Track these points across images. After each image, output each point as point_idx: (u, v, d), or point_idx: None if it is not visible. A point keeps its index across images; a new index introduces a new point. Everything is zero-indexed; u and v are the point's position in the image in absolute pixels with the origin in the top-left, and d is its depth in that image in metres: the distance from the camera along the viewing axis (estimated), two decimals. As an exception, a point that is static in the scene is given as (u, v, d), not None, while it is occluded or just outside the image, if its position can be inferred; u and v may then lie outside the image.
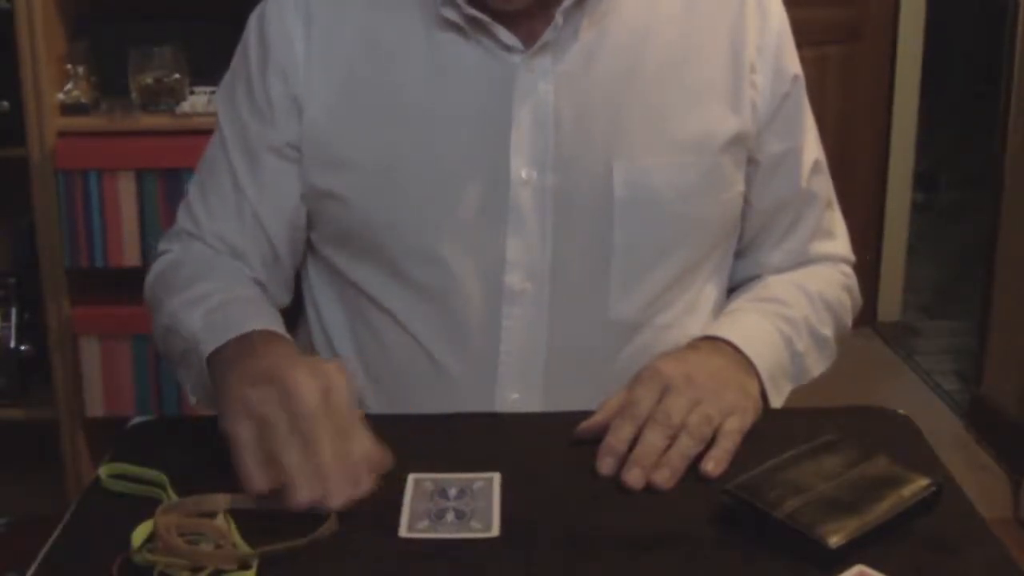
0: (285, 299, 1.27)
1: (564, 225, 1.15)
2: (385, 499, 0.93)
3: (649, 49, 1.16)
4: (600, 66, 1.15)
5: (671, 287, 1.19)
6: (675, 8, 1.18)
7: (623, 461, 0.98)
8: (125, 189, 2.12)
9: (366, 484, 0.93)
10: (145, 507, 0.89)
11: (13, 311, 2.25)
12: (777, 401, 1.14)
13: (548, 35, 1.13)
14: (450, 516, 0.91)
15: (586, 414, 1.05)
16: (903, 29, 3.46)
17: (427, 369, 1.18)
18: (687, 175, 1.16)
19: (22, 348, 2.25)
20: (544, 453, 1.02)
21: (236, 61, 1.24)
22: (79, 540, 0.91)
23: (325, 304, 1.25)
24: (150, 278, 1.24)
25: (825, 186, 1.29)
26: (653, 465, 0.97)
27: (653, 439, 0.99)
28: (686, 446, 0.99)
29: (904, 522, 0.89)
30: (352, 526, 0.90)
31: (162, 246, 1.27)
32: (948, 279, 4.03)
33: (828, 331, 1.23)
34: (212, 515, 0.91)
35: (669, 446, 0.99)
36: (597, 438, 1.01)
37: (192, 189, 1.26)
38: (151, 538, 0.86)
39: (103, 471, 0.98)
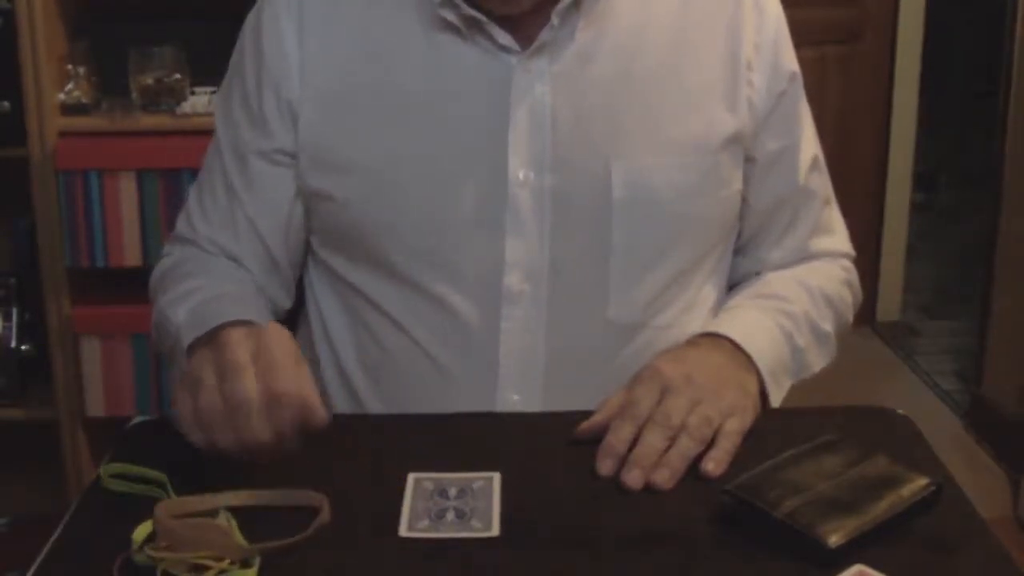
0: (286, 303, 1.27)
1: (562, 226, 1.15)
2: (385, 499, 0.94)
3: (646, 49, 1.16)
4: (597, 67, 1.15)
5: (670, 287, 1.19)
6: (671, 7, 1.18)
7: (623, 462, 0.98)
8: (126, 189, 2.12)
9: (286, 430, 0.92)
10: (145, 507, 0.89)
11: (13, 311, 2.25)
12: (777, 397, 1.14)
13: (544, 36, 1.13)
14: (450, 516, 0.92)
15: (586, 414, 1.05)
16: (903, 29, 3.46)
17: (428, 371, 1.18)
18: (685, 175, 1.16)
19: (22, 348, 2.25)
20: (544, 453, 1.02)
21: (232, 66, 1.24)
22: (79, 540, 0.91)
23: (326, 307, 1.25)
24: (151, 281, 1.25)
25: (823, 183, 1.29)
26: (653, 466, 0.98)
27: (653, 440, 0.99)
28: (686, 447, 0.99)
29: (904, 522, 0.89)
30: (352, 526, 0.90)
31: (164, 250, 1.28)
32: (948, 279, 4.03)
33: (829, 326, 1.23)
34: (213, 514, 0.91)
35: (669, 447, 0.99)
36: (597, 438, 1.01)
37: (191, 194, 1.27)
38: (152, 537, 0.86)
39: (103, 471, 0.98)
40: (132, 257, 2.14)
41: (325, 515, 0.89)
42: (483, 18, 1.12)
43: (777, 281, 1.24)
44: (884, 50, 3.46)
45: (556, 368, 1.16)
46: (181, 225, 1.26)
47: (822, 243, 1.29)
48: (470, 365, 1.17)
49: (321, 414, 0.93)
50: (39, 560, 0.89)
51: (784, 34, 1.23)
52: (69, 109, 2.15)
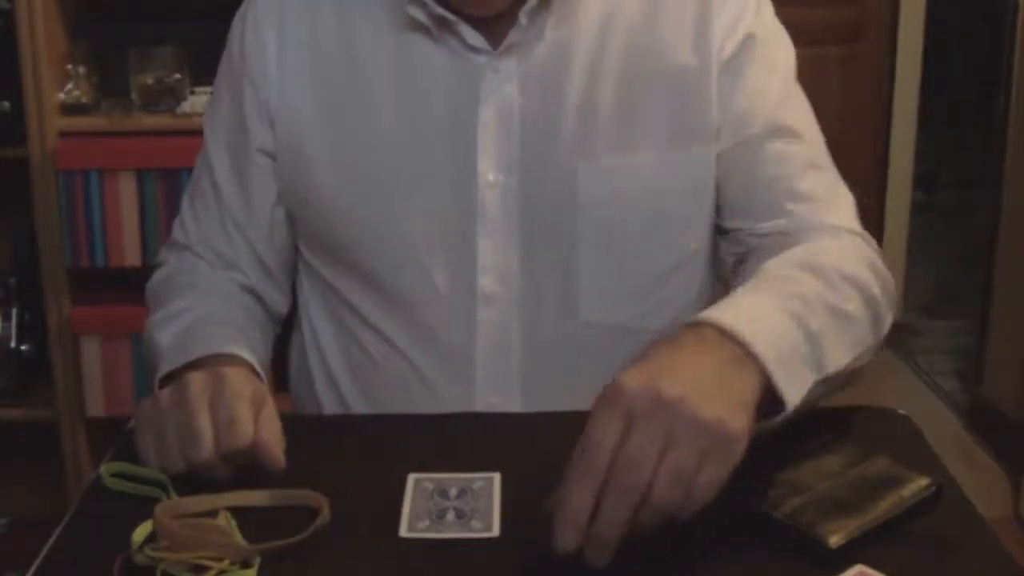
0: (283, 306, 1.28)
1: (532, 228, 1.14)
2: (385, 499, 0.94)
3: (615, 48, 1.14)
4: (566, 67, 1.13)
5: (647, 287, 1.18)
6: (639, 4, 1.15)
7: (584, 533, 0.81)
8: (126, 189, 2.12)
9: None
10: (145, 507, 0.89)
11: (13, 311, 2.25)
12: (796, 391, 0.91)
13: (513, 36, 1.12)
14: (450, 516, 0.92)
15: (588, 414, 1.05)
16: (903, 29, 3.46)
17: (409, 377, 1.19)
18: (657, 175, 1.14)
19: (22, 348, 2.25)
20: (544, 453, 1.01)
21: (219, 68, 1.24)
22: (79, 540, 0.91)
23: (315, 313, 1.25)
24: (147, 291, 1.26)
25: (801, 150, 1.17)
26: (617, 543, 0.81)
27: (615, 513, 0.80)
28: (653, 522, 0.82)
29: (904, 522, 0.89)
30: (352, 526, 0.90)
31: (160, 257, 1.29)
32: (948, 279, 4.03)
33: (853, 307, 1.02)
34: (213, 514, 0.91)
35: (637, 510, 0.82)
36: None
37: (184, 199, 1.27)
38: (152, 537, 0.86)
39: (103, 470, 0.98)
40: (132, 257, 2.14)
41: (325, 515, 0.89)
42: (452, 17, 1.11)
43: (777, 267, 1.06)
44: (884, 50, 3.46)
45: (532, 370, 1.16)
46: (176, 231, 1.27)
47: (815, 214, 1.15)
48: (448, 369, 1.17)
49: (276, 463, 0.95)
50: (39, 560, 0.88)
51: (750, 6, 1.17)
52: (69, 109, 2.15)
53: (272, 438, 0.96)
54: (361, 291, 1.19)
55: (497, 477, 0.96)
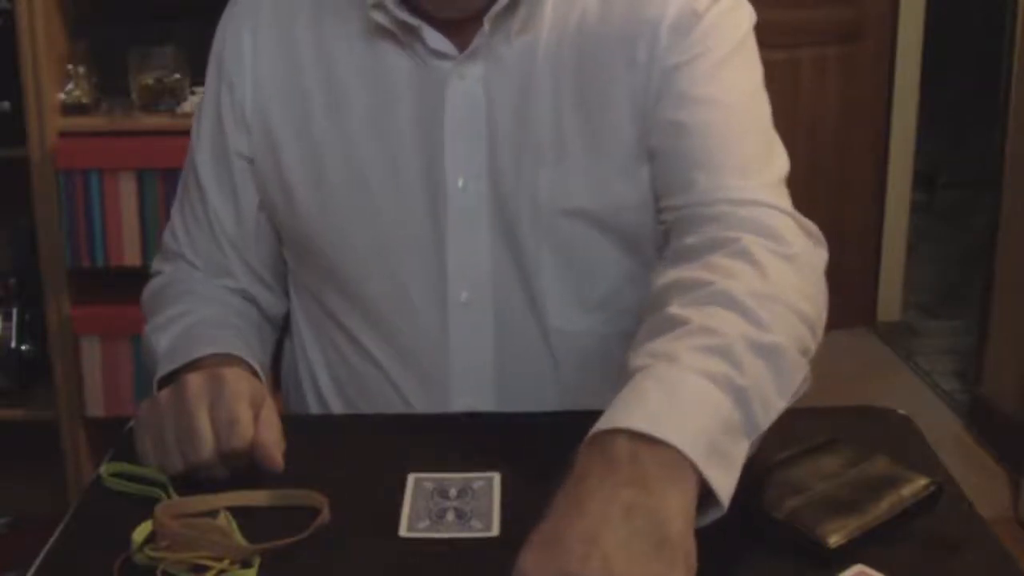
0: (279, 308, 1.27)
1: (501, 234, 1.13)
2: (385, 499, 0.94)
3: (574, 54, 1.11)
4: (531, 72, 1.11)
5: (615, 294, 1.16)
6: (594, 11, 1.12)
7: None
8: (126, 189, 2.12)
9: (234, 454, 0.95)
10: (145, 507, 0.89)
11: (13, 311, 2.25)
12: (730, 478, 0.81)
13: (477, 41, 1.10)
14: (450, 516, 0.92)
15: (591, 414, 1.05)
16: (903, 29, 3.46)
17: (382, 382, 1.19)
18: (622, 185, 1.12)
19: (22, 348, 2.25)
20: (544, 453, 1.02)
21: (207, 74, 1.23)
22: (79, 540, 0.91)
23: (301, 322, 1.25)
24: (142, 300, 1.26)
25: (720, 119, 1.09)
26: None
27: None
28: None
29: (904, 522, 0.89)
30: (352, 526, 0.90)
31: (154, 266, 1.29)
32: (948, 279, 4.03)
33: (779, 336, 0.89)
34: (213, 514, 0.91)
35: None
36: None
37: (174, 206, 1.27)
38: (152, 537, 0.86)
39: (104, 470, 0.98)
40: (132, 257, 2.14)
41: (325, 515, 0.89)
42: (415, 22, 1.10)
43: (686, 310, 0.91)
44: (884, 50, 3.46)
45: (505, 378, 1.16)
46: (167, 239, 1.27)
47: (727, 184, 1.05)
48: (422, 376, 1.17)
49: (275, 465, 0.96)
50: (39, 560, 0.89)
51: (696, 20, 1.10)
52: (69, 109, 2.15)
53: (271, 439, 0.96)
54: (336, 297, 1.19)
55: (497, 477, 0.96)
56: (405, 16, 1.10)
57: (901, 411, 1.10)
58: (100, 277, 2.21)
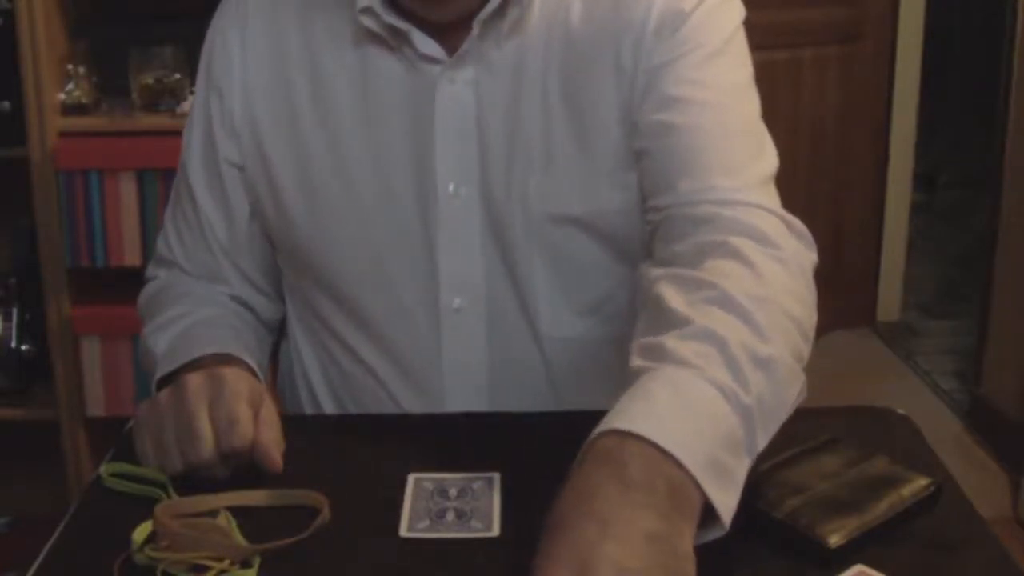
0: (275, 313, 1.27)
1: (492, 240, 1.13)
2: (385, 499, 0.94)
3: (562, 58, 1.10)
4: (522, 76, 1.10)
5: (607, 300, 1.15)
6: (579, 16, 1.10)
7: None
8: (126, 189, 2.12)
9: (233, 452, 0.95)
10: (145, 507, 0.89)
11: (14, 311, 2.25)
12: (732, 498, 0.81)
13: (466, 45, 1.09)
14: (450, 516, 0.92)
15: (591, 414, 1.05)
16: (903, 29, 3.46)
17: (375, 388, 1.18)
18: (613, 191, 1.11)
19: (23, 348, 2.25)
20: (544, 453, 1.01)
21: (196, 81, 1.23)
22: (79, 540, 0.91)
23: (296, 327, 1.25)
24: (138, 305, 1.26)
25: (705, 120, 1.07)
26: None
27: None
28: None
29: (904, 522, 0.89)
30: (352, 526, 0.90)
31: (149, 272, 1.28)
32: (948, 279, 4.03)
33: (777, 347, 0.88)
34: (213, 514, 0.91)
35: None
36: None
37: (167, 214, 1.27)
38: (152, 537, 0.86)
39: (104, 470, 0.98)
40: (132, 257, 2.14)
41: (325, 515, 0.89)
42: (404, 26, 1.09)
43: (688, 308, 0.90)
44: (884, 50, 3.46)
45: (498, 384, 1.16)
46: (161, 247, 1.27)
47: (712, 184, 1.03)
48: (415, 383, 1.17)
49: (274, 467, 0.96)
50: (39, 560, 0.89)
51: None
52: (69, 109, 2.15)
53: (271, 440, 0.96)
54: (329, 304, 1.19)
55: (497, 477, 0.96)
56: (394, 20, 1.09)
57: (901, 411, 1.10)
58: (100, 277, 2.21)
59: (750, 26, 1.15)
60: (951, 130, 4.98)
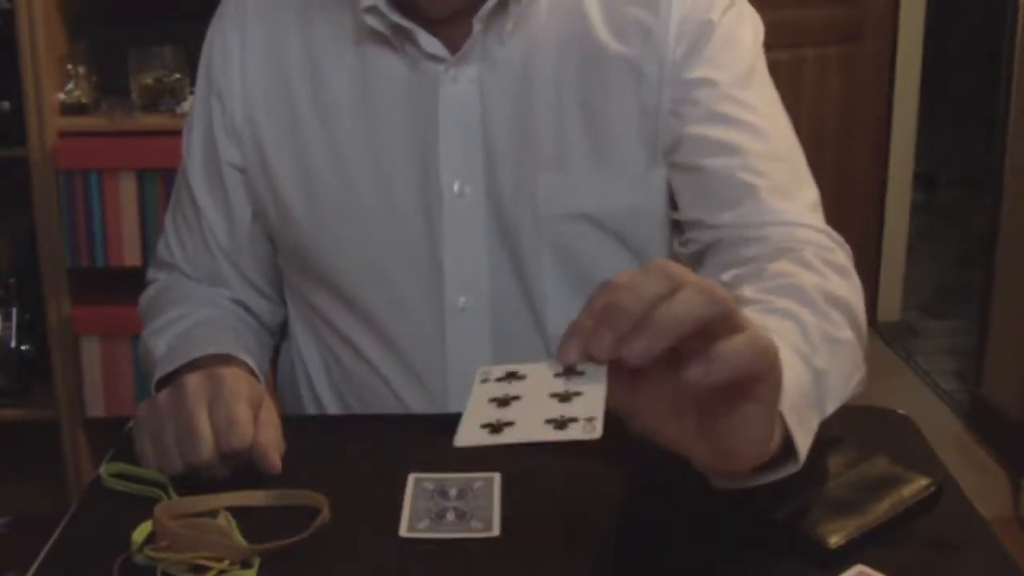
0: (276, 315, 1.27)
1: (498, 239, 1.13)
2: (385, 499, 0.94)
3: (576, 59, 1.11)
4: (529, 74, 1.10)
5: None
6: (596, 14, 1.11)
7: (584, 349, 0.74)
8: (125, 189, 2.12)
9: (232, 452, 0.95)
10: (145, 507, 0.89)
11: (13, 311, 2.25)
12: (806, 439, 0.83)
13: (468, 43, 1.09)
14: (450, 516, 0.92)
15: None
16: (903, 29, 3.46)
17: (379, 388, 1.18)
18: (620, 191, 1.11)
19: (22, 348, 2.25)
20: (544, 453, 1.01)
21: (196, 85, 1.23)
22: (79, 540, 0.91)
23: (298, 327, 1.25)
24: (139, 308, 1.26)
25: (755, 140, 1.10)
26: (626, 334, 0.70)
27: (631, 300, 0.71)
28: (684, 302, 0.70)
29: (904, 522, 0.89)
30: (352, 526, 0.90)
31: (149, 275, 1.29)
32: (948, 279, 4.03)
33: (844, 334, 0.95)
34: (213, 514, 0.91)
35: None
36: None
37: (167, 217, 1.27)
38: (152, 538, 0.86)
39: (104, 470, 0.98)
40: (132, 257, 2.14)
41: (325, 515, 0.89)
42: (409, 25, 1.09)
43: (761, 294, 0.96)
44: (884, 50, 3.46)
45: None
46: (161, 250, 1.27)
47: (769, 206, 1.08)
48: (419, 383, 1.16)
49: (273, 468, 0.96)
50: (39, 560, 0.89)
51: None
52: (69, 109, 2.15)
53: (270, 441, 0.96)
54: (333, 304, 1.19)
55: (497, 477, 0.96)
56: (398, 19, 1.09)
57: (901, 411, 1.10)
58: (100, 277, 2.21)
59: (750, 26, 1.15)
60: (951, 130, 4.98)
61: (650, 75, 1.10)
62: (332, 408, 1.23)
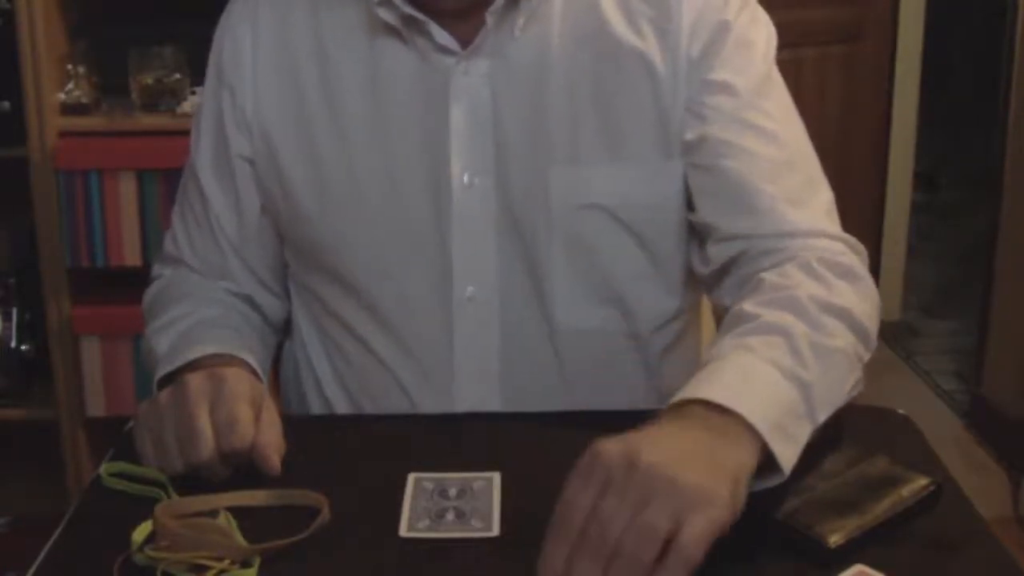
0: (281, 311, 1.27)
1: (508, 230, 1.13)
2: (385, 499, 0.94)
3: (589, 52, 1.11)
4: (541, 68, 1.11)
5: (617, 292, 1.15)
6: (611, 7, 1.12)
7: None
8: (125, 189, 2.12)
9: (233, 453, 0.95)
10: (145, 507, 0.89)
11: (13, 311, 2.25)
12: (791, 452, 0.89)
13: (480, 36, 1.10)
14: (450, 516, 0.92)
15: (590, 414, 1.04)
16: (903, 29, 3.46)
17: (387, 381, 1.18)
18: (632, 184, 1.12)
19: (22, 348, 2.25)
20: (544, 453, 1.02)
21: (205, 81, 1.23)
22: (80, 540, 0.91)
23: (303, 320, 1.25)
24: (143, 304, 1.26)
25: (773, 148, 1.12)
26: None
27: (583, 571, 0.79)
28: None
29: (904, 522, 0.89)
30: (352, 526, 0.90)
31: (154, 271, 1.29)
32: (948, 279, 4.03)
33: (840, 342, 0.98)
34: (213, 514, 0.91)
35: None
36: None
37: (174, 211, 1.27)
38: (152, 537, 0.86)
39: (104, 470, 0.98)
40: (132, 257, 2.14)
41: (325, 515, 0.89)
42: (421, 17, 1.09)
43: (756, 309, 1.00)
44: (884, 50, 3.45)
45: (512, 375, 1.16)
46: (168, 244, 1.27)
47: (785, 214, 1.10)
48: (427, 375, 1.16)
49: (272, 469, 0.96)
50: (39, 560, 0.89)
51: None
52: (69, 109, 2.15)
53: (271, 442, 0.96)
54: (340, 297, 1.19)
55: (497, 477, 0.96)
56: (413, 11, 1.09)
57: (901, 411, 1.10)
58: (100, 277, 2.21)
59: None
60: (951, 130, 4.98)
61: (664, 71, 1.11)
62: (338, 401, 1.22)
